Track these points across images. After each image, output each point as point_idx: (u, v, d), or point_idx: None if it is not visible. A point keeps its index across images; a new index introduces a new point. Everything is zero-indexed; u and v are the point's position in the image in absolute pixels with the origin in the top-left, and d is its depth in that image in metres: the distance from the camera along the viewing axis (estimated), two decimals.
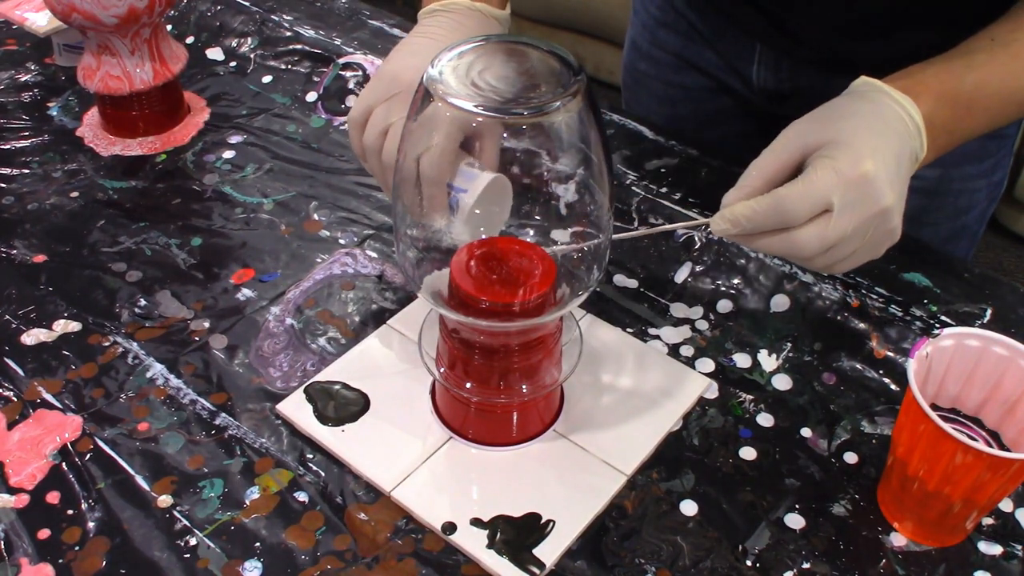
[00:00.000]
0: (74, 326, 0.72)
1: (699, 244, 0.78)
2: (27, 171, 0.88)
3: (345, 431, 0.64)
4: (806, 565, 0.58)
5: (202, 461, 0.63)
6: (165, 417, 0.66)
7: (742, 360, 0.71)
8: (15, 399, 0.67)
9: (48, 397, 0.67)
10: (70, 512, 0.60)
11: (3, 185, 0.86)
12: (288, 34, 1.04)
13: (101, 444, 0.64)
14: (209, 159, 0.90)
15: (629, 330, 0.73)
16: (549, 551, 0.58)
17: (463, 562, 0.58)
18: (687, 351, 0.71)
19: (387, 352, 0.70)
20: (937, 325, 0.72)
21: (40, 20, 1.06)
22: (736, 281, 0.76)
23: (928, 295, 0.74)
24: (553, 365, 0.63)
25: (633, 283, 0.77)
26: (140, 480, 0.62)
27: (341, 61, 0.99)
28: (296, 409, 0.66)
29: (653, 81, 1.00)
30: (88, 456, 0.63)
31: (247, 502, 0.61)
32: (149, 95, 0.90)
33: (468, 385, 0.61)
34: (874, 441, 0.65)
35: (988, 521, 0.61)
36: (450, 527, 0.59)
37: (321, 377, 0.68)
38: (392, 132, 0.64)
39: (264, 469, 0.63)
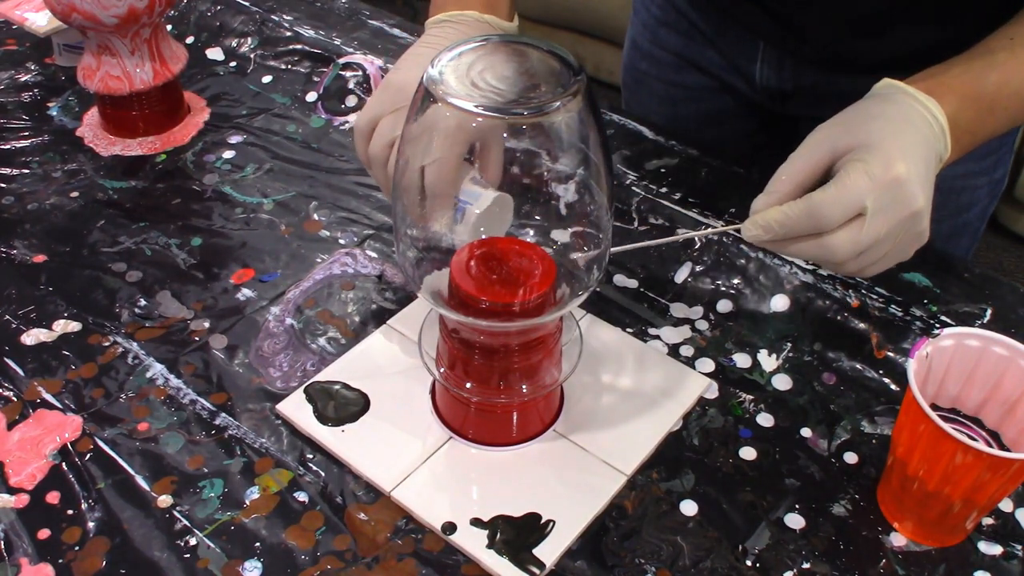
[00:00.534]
0: (74, 326, 0.73)
1: (699, 244, 0.78)
2: (27, 171, 0.88)
3: (345, 431, 0.65)
4: (806, 565, 0.58)
5: (202, 461, 0.63)
6: (165, 417, 0.66)
7: (742, 360, 0.71)
8: (15, 399, 0.67)
9: (48, 397, 0.67)
10: (70, 512, 0.60)
11: (3, 185, 0.86)
12: (288, 34, 1.04)
13: (101, 444, 0.64)
14: (209, 159, 0.90)
15: (629, 330, 0.73)
16: (549, 551, 0.58)
17: (463, 562, 0.58)
18: (687, 351, 0.71)
19: (387, 352, 0.70)
20: (937, 325, 0.72)
21: (40, 20, 1.06)
22: (736, 281, 0.76)
23: (928, 295, 0.74)
24: (553, 365, 0.63)
25: (633, 283, 0.77)
26: (140, 480, 0.62)
27: (341, 61, 0.99)
28: (296, 409, 0.66)
29: (654, 81, 1.00)
30: (88, 456, 0.63)
31: (247, 502, 0.61)
32: (149, 95, 0.90)
33: (468, 385, 0.61)
34: (874, 441, 0.65)
35: (988, 521, 0.61)
36: (450, 527, 0.59)
37: (321, 377, 0.68)
38: (399, 144, 0.64)
39: (264, 469, 0.63)
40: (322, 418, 0.65)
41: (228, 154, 0.90)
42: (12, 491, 0.61)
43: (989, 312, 0.73)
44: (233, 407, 0.67)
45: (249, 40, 1.05)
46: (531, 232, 0.62)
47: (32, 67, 1.02)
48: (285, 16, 1.07)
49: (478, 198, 0.61)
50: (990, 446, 0.59)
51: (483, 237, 0.62)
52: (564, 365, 0.64)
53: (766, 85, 0.90)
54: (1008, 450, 0.59)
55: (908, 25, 0.77)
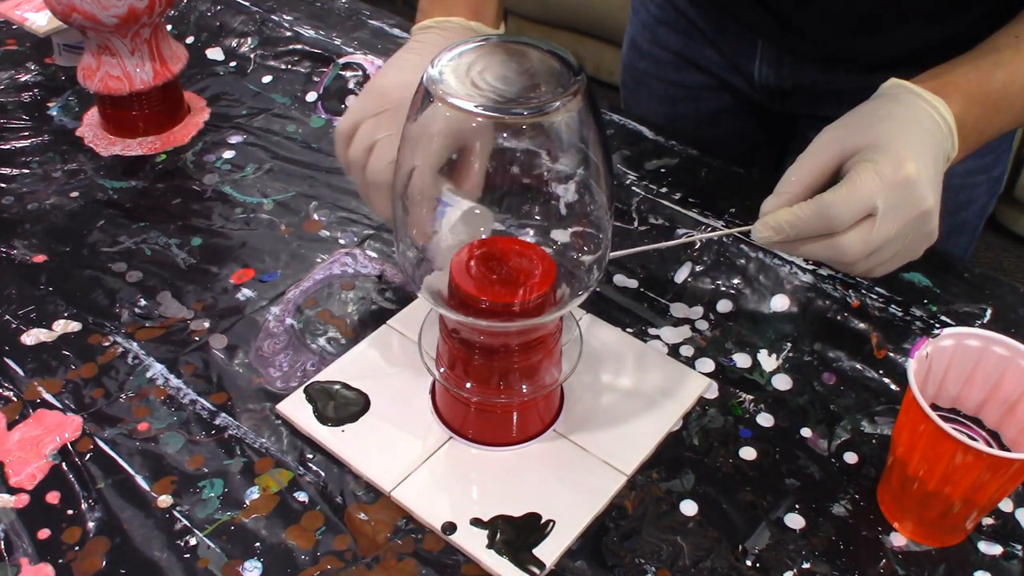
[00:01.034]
0: (74, 326, 0.72)
1: (699, 244, 0.78)
2: (27, 171, 0.88)
3: (345, 431, 0.64)
4: (806, 565, 0.58)
5: (202, 461, 0.63)
6: (165, 417, 0.66)
7: (742, 360, 0.71)
8: (15, 399, 0.67)
9: (48, 397, 0.67)
10: (70, 512, 0.60)
11: (3, 185, 0.86)
12: (288, 34, 1.04)
13: (101, 444, 0.64)
14: (209, 159, 0.90)
15: (629, 330, 0.73)
16: (549, 551, 0.58)
17: (463, 562, 0.58)
18: (687, 351, 0.71)
19: (387, 352, 0.70)
20: (937, 325, 0.72)
21: (40, 20, 1.06)
22: (736, 281, 0.76)
23: (928, 295, 0.74)
24: (553, 365, 0.63)
25: (633, 283, 0.77)
26: (140, 480, 0.62)
27: (341, 61, 0.99)
28: (296, 409, 0.66)
29: (653, 80, 1.00)
30: (88, 456, 0.63)
31: (247, 502, 0.61)
32: (149, 95, 0.90)
33: (468, 385, 0.61)
34: (874, 441, 0.65)
35: (988, 521, 0.61)
36: (450, 527, 0.59)
37: (321, 377, 0.68)
38: (378, 148, 0.64)
39: (264, 469, 0.63)
40: (322, 418, 0.65)
41: (228, 154, 0.90)
42: (12, 491, 0.61)
43: (989, 312, 0.73)
44: (233, 407, 0.67)
45: (249, 40, 1.05)
46: (531, 232, 0.62)
47: (32, 67, 1.02)
48: (285, 16, 1.07)
49: (455, 204, 0.61)
50: (990, 446, 0.59)
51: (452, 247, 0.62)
52: (564, 365, 0.64)
53: (765, 83, 0.90)
54: (1008, 450, 0.59)
55: (907, 23, 0.77)
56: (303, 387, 0.67)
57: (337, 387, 0.67)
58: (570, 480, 0.62)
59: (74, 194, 0.85)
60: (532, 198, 0.60)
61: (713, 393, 0.68)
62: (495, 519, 0.60)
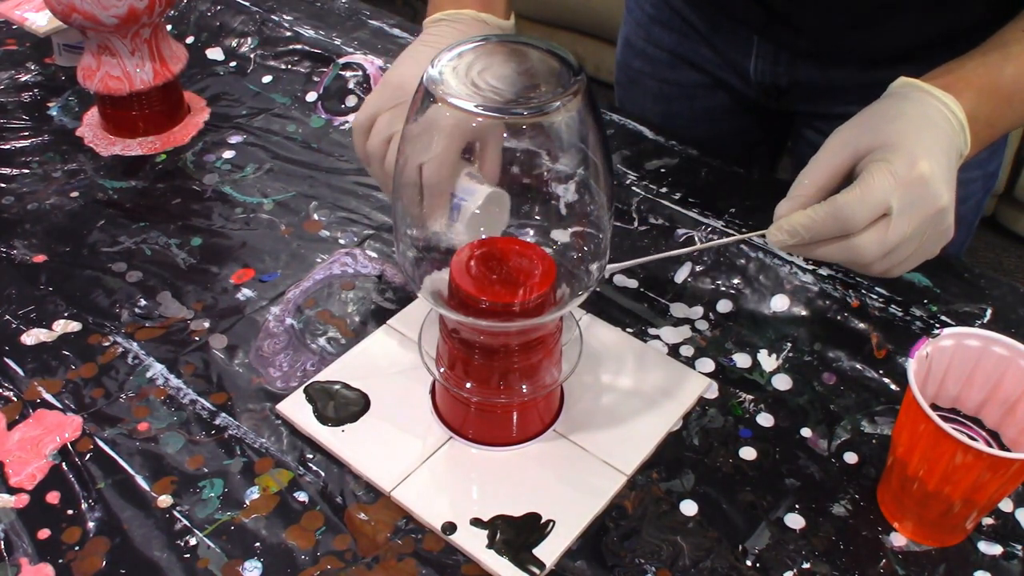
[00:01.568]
0: (74, 326, 0.72)
1: (699, 244, 0.78)
2: (27, 171, 0.88)
3: (345, 431, 0.64)
4: (806, 565, 0.58)
5: (202, 461, 0.63)
6: (165, 417, 0.66)
7: (742, 360, 0.71)
8: (15, 399, 0.67)
9: (48, 397, 0.67)
10: (70, 512, 0.60)
11: (3, 185, 0.86)
12: (288, 34, 1.04)
13: (101, 444, 0.64)
14: (209, 159, 0.90)
15: (629, 330, 0.73)
16: (549, 551, 0.58)
17: (463, 562, 0.58)
18: (687, 351, 0.71)
19: (387, 352, 0.70)
20: (937, 325, 0.72)
21: (40, 20, 1.06)
22: (736, 281, 0.76)
23: (928, 295, 0.74)
24: (553, 365, 0.63)
25: (633, 283, 0.77)
26: (140, 480, 0.62)
27: (341, 61, 0.99)
28: (296, 409, 0.66)
29: (648, 79, 1.00)
30: (88, 456, 0.63)
31: (247, 502, 0.61)
32: (149, 95, 0.90)
33: (468, 385, 0.61)
34: (874, 441, 0.65)
35: (988, 521, 0.61)
36: (450, 527, 0.59)
37: (321, 377, 0.68)
38: (396, 140, 0.64)
39: (264, 469, 0.63)
40: (322, 418, 0.65)
41: (228, 154, 0.90)
42: (12, 491, 0.61)
43: (989, 312, 0.73)
44: (233, 407, 0.67)
45: (249, 40, 1.05)
46: (531, 232, 0.62)
47: (32, 67, 1.02)
48: (285, 16, 1.07)
49: (473, 194, 0.61)
50: (990, 446, 0.59)
51: (482, 235, 0.62)
52: (564, 365, 0.64)
53: (761, 80, 0.90)
54: (1008, 450, 0.59)
55: (904, 16, 0.77)
56: (303, 387, 0.67)
57: (337, 387, 0.67)
58: (570, 480, 0.62)
59: (74, 194, 0.85)
60: (532, 198, 0.60)
61: (713, 393, 0.68)
62: (495, 519, 0.60)
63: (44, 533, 0.59)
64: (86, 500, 0.61)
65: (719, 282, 0.76)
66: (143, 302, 0.75)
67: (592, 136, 0.56)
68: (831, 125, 0.62)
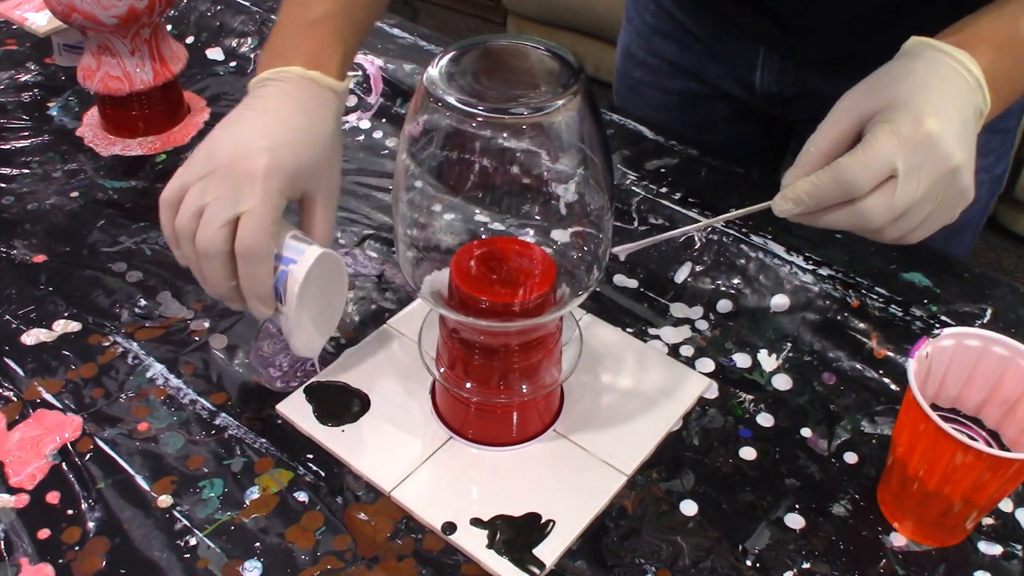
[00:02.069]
0: (74, 326, 0.72)
1: (699, 244, 0.78)
2: (27, 171, 0.88)
3: (345, 431, 0.64)
4: (806, 565, 0.58)
5: (202, 461, 0.63)
6: (165, 417, 0.66)
7: (742, 360, 0.71)
8: (15, 399, 0.67)
9: (48, 397, 0.67)
10: (70, 512, 0.60)
11: (3, 185, 0.86)
12: None
13: (101, 444, 0.64)
14: None
15: (629, 330, 0.73)
16: (549, 551, 0.58)
17: (463, 562, 0.58)
18: (687, 351, 0.71)
19: (387, 352, 0.70)
20: (937, 325, 0.72)
21: (40, 20, 1.06)
22: (736, 281, 0.76)
23: (928, 295, 0.74)
24: (553, 365, 0.63)
25: (633, 283, 0.77)
26: (140, 480, 0.62)
27: None
28: (296, 409, 0.66)
29: (648, 88, 0.99)
30: (88, 456, 0.63)
31: (247, 502, 0.61)
32: (149, 95, 0.90)
33: (468, 385, 0.61)
34: (874, 441, 0.65)
35: (988, 521, 0.61)
36: (450, 527, 0.59)
37: (321, 377, 0.68)
38: (207, 213, 0.59)
39: (264, 469, 0.63)
40: (322, 418, 0.65)
41: None
42: (12, 491, 0.61)
43: (989, 312, 0.73)
44: (233, 407, 0.67)
45: (249, 40, 1.05)
46: (531, 232, 0.62)
47: (32, 67, 1.02)
48: None
49: (303, 254, 0.59)
50: (990, 446, 0.59)
51: (305, 321, 0.61)
52: (564, 365, 0.64)
53: (767, 91, 0.90)
54: (1008, 450, 0.59)
55: (913, 19, 0.76)
56: (303, 387, 0.67)
57: (337, 387, 0.67)
58: (570, 480, 0.62)
59: (74, 194, 0.85)
60: (532, 198, 0.60)
61: (713, 393, 0.68)
62: (495, 519, 0.60)
63: (44, 533, 0.59)
64: (86, 500, 0.61)
65: (719, 282, 0.76)
66: (143, 302, 0.75)
67: (592, 136, 0.56)
68: None
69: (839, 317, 0.73)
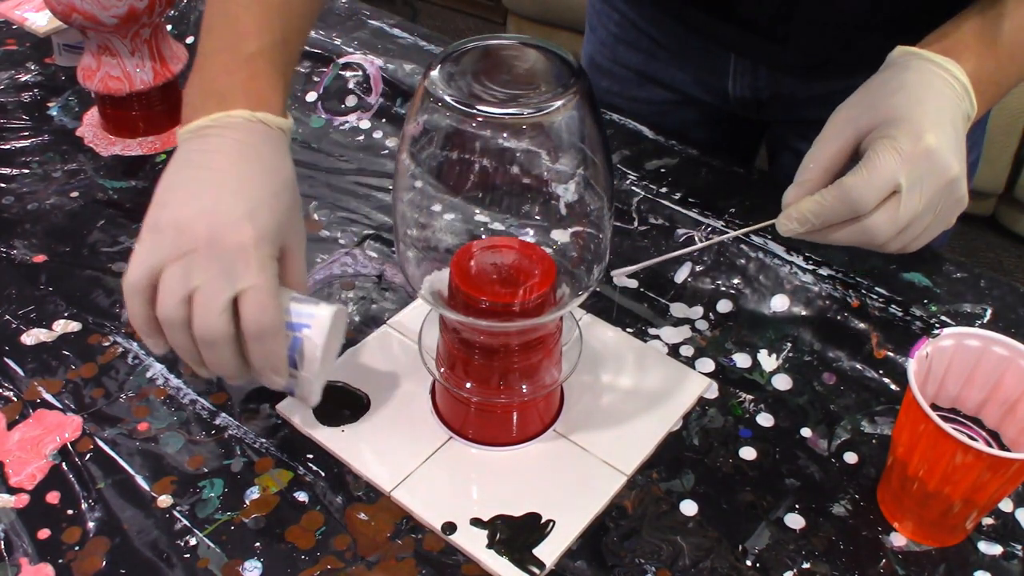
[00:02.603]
0: (74, 326, 0.72)
1: (699, 244, 0.78)
2: (27, 171, 0.88)
3: (345, 431, 0.64)
4: (806, 565, 0.58)
5: (202, 461, 0.63)
6: (165, 417, 0.66)
7: (742, 360, 0.71)
8: (15, 399, 0.67)
9: (48, 397, 0.67)
10: (70, 512, 0.60)
11: (3, 185, 0.86)
12: None
13: (101, 444, 0.64)
14: None
15: (629, 330, 0.73)
16: (549, 551, 0.58)
17: (463, 562, 0.58)
18: (687, 351, 0.71)
19: (387, 352, 0.70)
20: (937, 325, 0.72)
21: (40, 20, 1.06)
22: (736, 281, 0.76)
23: (928, 295, 0.74)
24: (553, 365, 0.63)
25: (633, 283, 0.77)
26: (140, 480, 0.62)
27: (341, 61, 0.99)
28: (296, 409, 0.66)
29: (615, 97, 0.98)
30: (88, 456, 0.63)
31: (247, 502, 0.61)
32: (149, 95, 0.90)
33: (468, 385, 0.61)
34: (874, 441, 0.65)
35: (988, 521, 0.61)
36: (450, 527, 0.59)
37: None
38: (201, 297, 0.54)
39: (264, 469, 0.63)
40: (322, 418, 0.65)
41: None
42: (12, 491, 0.61)
43: (989, 312, 0.73)
44: (233, 407, 0.67)
45: None
46: (531, 232, 0.62)
47: (32, 67, 1.02)
48: None
49: (314, 317, 0.56)
50: (990, 446, 0.59)
51: (322, 373, 0.58)
52: (564, 365, 0.64)
53: (740, 95, 0.89)
54: (1008, 450, 0.59)
55: (896, 23, 0.76)
56: None
57: (337, 387, 0.67)
58: (570, 480, 0.62)
59: (74, 194, 0.85)
60: (532, 198, 0.60)
61: (713, 393, 0.68)
62: (495, 519, 0.60)
63: (44, 533, 0.59)
64: (86, 500, 0.61)
65: (719, 282, 0.76)
66: None
67: (592, 136, 0.56)
68: (812, 131, 0.61)
69: (839, 317, 0.73)
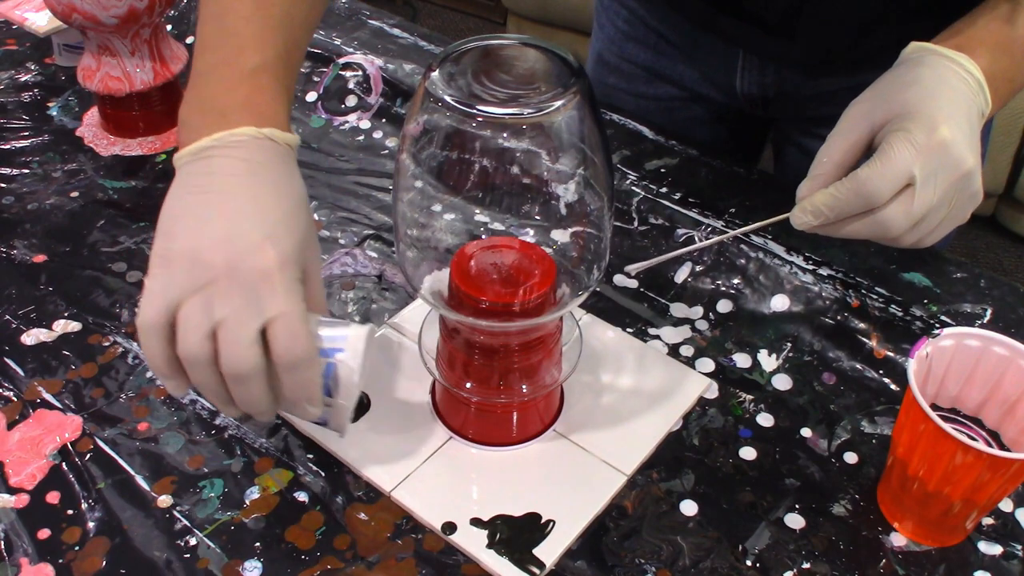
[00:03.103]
0: (74, 326, 0.72)
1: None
2: (27, 171, 0.88)
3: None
4: (806, 565, 0.58)
5: (202, 461, 0.63)
6: (165, 417, 0.66)
7: (742, 360, 0.71)
8: (15, 399, 0.67)
9: (48, 397, 0.67)
10: (70, 512, 0.60)
11: (3, 185, 0.86)
12: None
13: (101, 444, 0.64)
14: None
15: (629, 330, 0.73)
16: (549, 551, 0.58)
17: (463, 562, 0.58)
18: (687, 351, 0.71)
19: (387, 352, 0.70)
20: (937, 325, 0.72)
21: (40, 20, 1.06)
22: (736, 281, 0.76)
23: (928, 295, 0.74)
24: (553, 365, 0.63)
25: (633, 283, 0.77)
26: (140, 480, 0.62)
27: (341, 61, 0.99)
28: None
29: (623, 94, 0.98)
30: (88, 456, 0.63)
31: (247, 502, 0.61)
32: (149, 95, 0.90)
33: (468, 385, 0.61)
34: (874, 441, 0.65)
35: (988, 521, 0.61)
36: (450, 527, 0.59)
37: None
38: (226, 332, 0.50)
39: (264, 469, 0.63)
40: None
41: None
42: (12, 491, 0.61)
43: (989, 312, 0.73)
44: None
45: None
46: (531, 232, 0.62)
47: (32, 67, 1.02)
48: None
49: (346, 340, 0.53)
50: (990, 446, 0.59)
51: (357, 400, 0.55)
52: (564, 365, 0.64)
53: (748, 92, 0.89)
54: (1008, 450, 0.59)
55: (904, 20, 0.76)
56: None
57: None
58: (570, 480, 0.62)
59: (74, 194, 0.85)
60: (532, 198, 0.60)
61: (713, 393, 0.68)
62: (495, 519, 0.60)
63: (44, 533, 0.59)
64: (86, 500, 0.61)
65: (719, 282, 0.76)
66: None
67: (592, 136, 0.56)
68: (818, 128, 0.61)
69: (839, 317, 0.73)
